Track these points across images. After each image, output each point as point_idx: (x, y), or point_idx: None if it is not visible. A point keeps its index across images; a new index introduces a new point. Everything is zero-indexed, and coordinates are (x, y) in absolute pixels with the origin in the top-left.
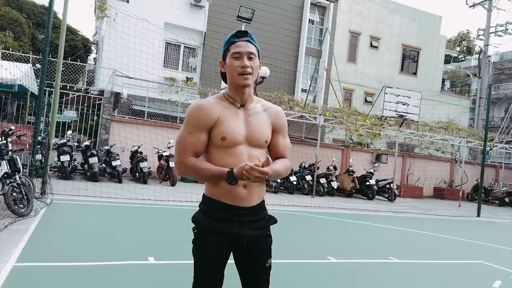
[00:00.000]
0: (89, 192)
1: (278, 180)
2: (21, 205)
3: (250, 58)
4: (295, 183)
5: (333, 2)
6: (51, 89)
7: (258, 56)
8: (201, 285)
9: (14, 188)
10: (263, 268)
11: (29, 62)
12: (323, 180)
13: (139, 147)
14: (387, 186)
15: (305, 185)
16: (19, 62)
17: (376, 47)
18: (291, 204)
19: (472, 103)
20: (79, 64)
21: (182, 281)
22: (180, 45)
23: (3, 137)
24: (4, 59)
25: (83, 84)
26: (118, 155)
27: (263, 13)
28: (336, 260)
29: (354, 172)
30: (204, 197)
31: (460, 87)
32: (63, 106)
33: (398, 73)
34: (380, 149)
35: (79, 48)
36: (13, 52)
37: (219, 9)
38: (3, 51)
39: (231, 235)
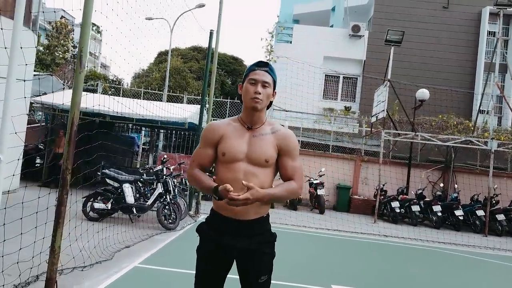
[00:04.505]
0: None
1: (439, 214)
2: (169, 220)
3: (264, 86)
4: (461, 218)
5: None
6: None
7: (274, 87)
8: None
9: (165, 206)
10: (256, 283)
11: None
12: (500, 217)
13: None
14: None
15: (476, 222)
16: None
17: None
18: (454, 242)
19: None
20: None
21: None
22: (339, 76)
23: (161, 165)
24: (188, 103)
25: None
26: None
27: (428, 32)
28: None
29: None
30: (211, 209)
31: None
32: None
33: None
34: None
35: None
36: (194, 97)
37: (378, 36)
38: (188, 96)
39: (222, 244)
